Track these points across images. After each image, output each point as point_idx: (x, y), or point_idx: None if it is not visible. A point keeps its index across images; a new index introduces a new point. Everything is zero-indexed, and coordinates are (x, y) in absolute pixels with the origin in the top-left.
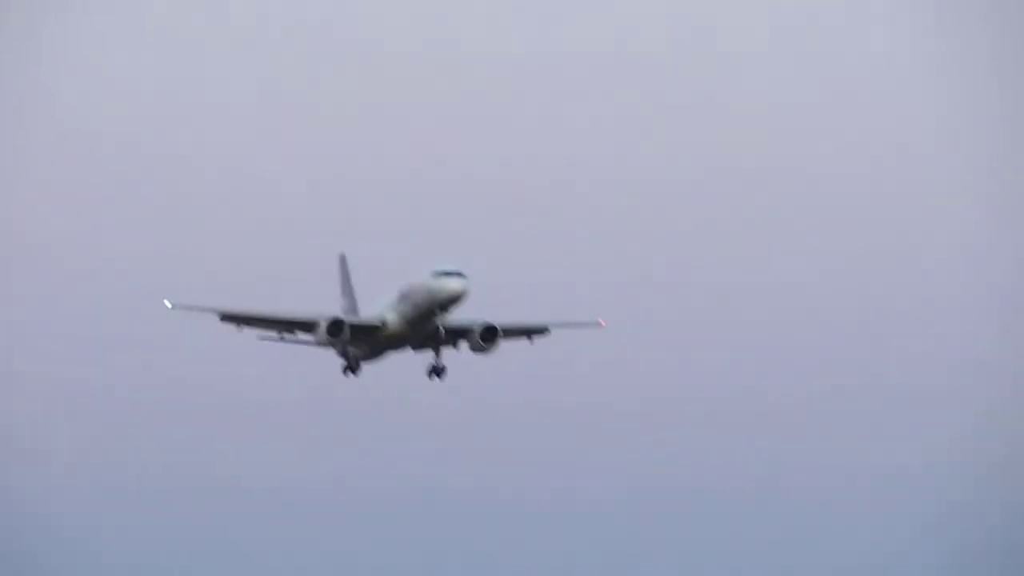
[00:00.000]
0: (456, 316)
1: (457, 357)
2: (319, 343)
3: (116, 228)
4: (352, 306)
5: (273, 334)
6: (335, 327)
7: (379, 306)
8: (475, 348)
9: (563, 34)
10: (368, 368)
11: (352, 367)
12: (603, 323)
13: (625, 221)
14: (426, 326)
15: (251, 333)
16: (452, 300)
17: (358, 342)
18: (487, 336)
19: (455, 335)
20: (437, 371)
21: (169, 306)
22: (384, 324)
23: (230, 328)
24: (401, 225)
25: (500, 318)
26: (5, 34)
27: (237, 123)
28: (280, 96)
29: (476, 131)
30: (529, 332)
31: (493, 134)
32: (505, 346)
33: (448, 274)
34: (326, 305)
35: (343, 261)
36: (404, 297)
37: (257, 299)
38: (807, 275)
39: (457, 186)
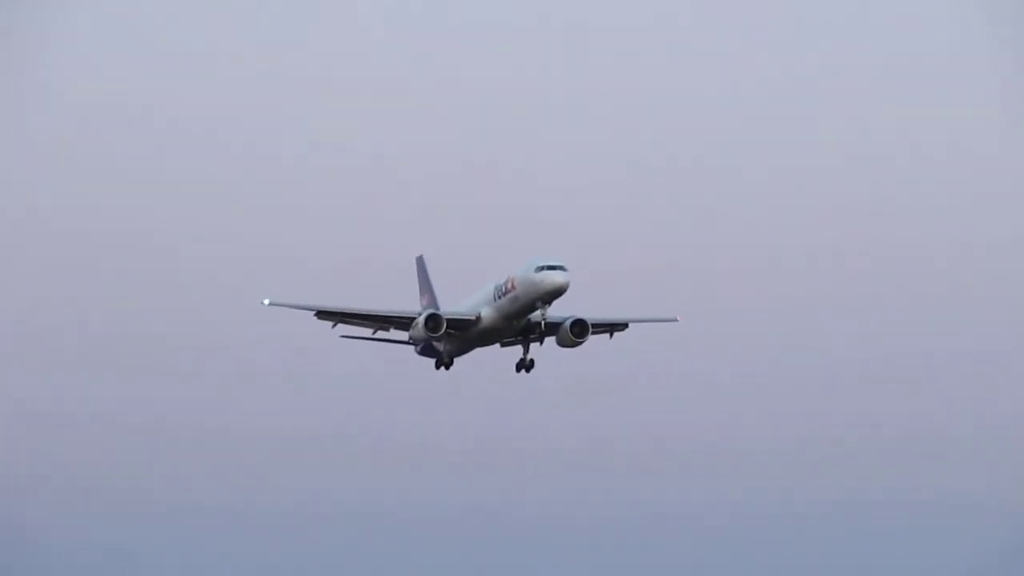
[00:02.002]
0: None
1: (543, 351)
2: (414, 339)
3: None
4: (433, 305)
5: (365, 331)
6: (433, 321)
7: (467, 303)
8: (564, 342)
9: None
10: (458, 362)
11: (446, 362)
12: (680, 319)
13: (702, 215)
14: (520, 320)
15: (335, 331)
16: (556, 293)
17: (449, 337)
18: (577, 330)
19: (541, 331)
20: (526, 365)
21: (267, 303)
22: (479, 318)
23: (324, 325)
24: (474, 225)
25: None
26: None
27: (313, 126)
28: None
29: (544, 128)
30: (611, 327)
31: (560, 132)
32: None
33: (551, 268)
34: (406, 306)
35: (421, 262)
36: (502, 291)
37: (339, 300)
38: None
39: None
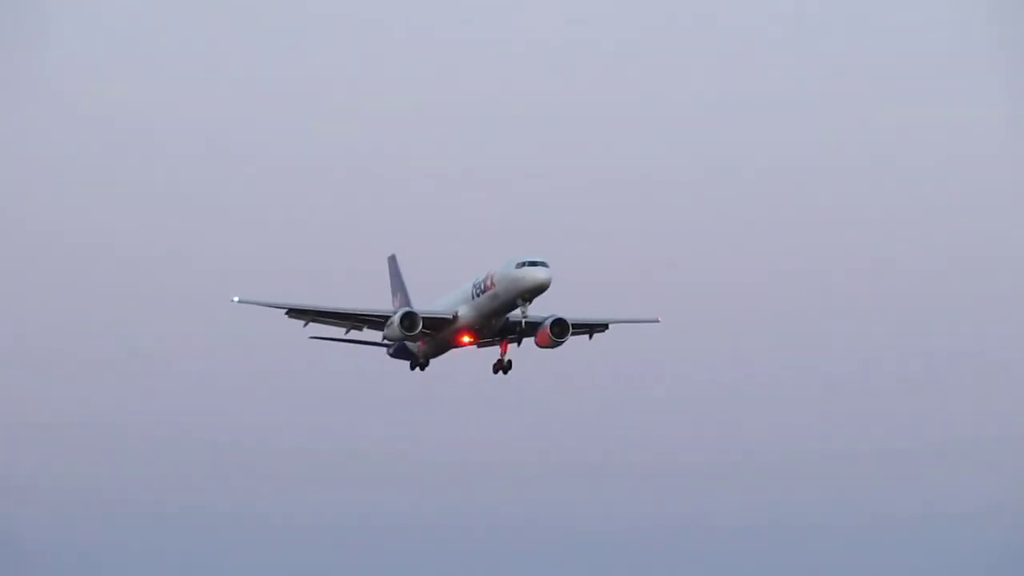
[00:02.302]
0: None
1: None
2: (388, 338)
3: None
4: (406, 305)
5: (336, 331)
6: (408, 320)
7: (443, 301)
8: (543, 343)
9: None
10: (433, 364)
11: (421, 362)
12: (661, 320)
13: (678, 216)
14: (499, 319)
15: (303, 333)
16: (537, 290)
17: (425, 337)
18: (557, 330)
19: (520, 330)
20: (504, 366)
21: (236, 300)
22: (456, 317)
23: (295, 324)
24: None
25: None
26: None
27: (286, 125)
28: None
29: (524, 127)
30: (590, 328)
31: (543, 131)
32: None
33: (533, 264)
34: (377, 306)
35: (393, 261)
36: (480, 289)
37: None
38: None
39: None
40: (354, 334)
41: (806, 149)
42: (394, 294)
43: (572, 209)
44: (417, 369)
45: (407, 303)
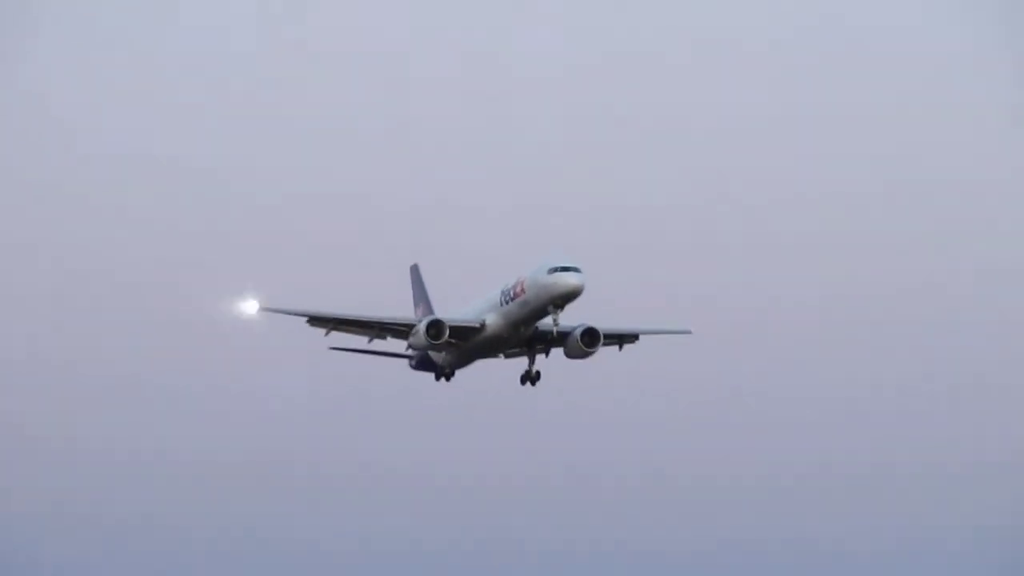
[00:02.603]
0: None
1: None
2: (414, 347)
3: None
4: (430, 314)
5: (358, 342)
6: (435, 328)
7: (469, 309)
8: (573, 353)
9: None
10: (459, 375)
11: (446, 372)
12: (692, 331)
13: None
14: (528, 328)
15: (323, 344)
16: (570, 296)
17: (450, 347)
18: (588, 340)
19: (548, 340)
20: (532, 377)
21: (257, 308)
22: (483, 325)
23: (317, 333)
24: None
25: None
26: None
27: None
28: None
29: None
30: (620, 339)
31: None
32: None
33: (565, 269)
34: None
35: (415, 271)
36: (510, 296)
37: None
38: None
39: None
40: (376, 344)
41: (831, 163)
42: (416, 304)
43: (598, 219)
44: (443, 380)
45: (431, 312)
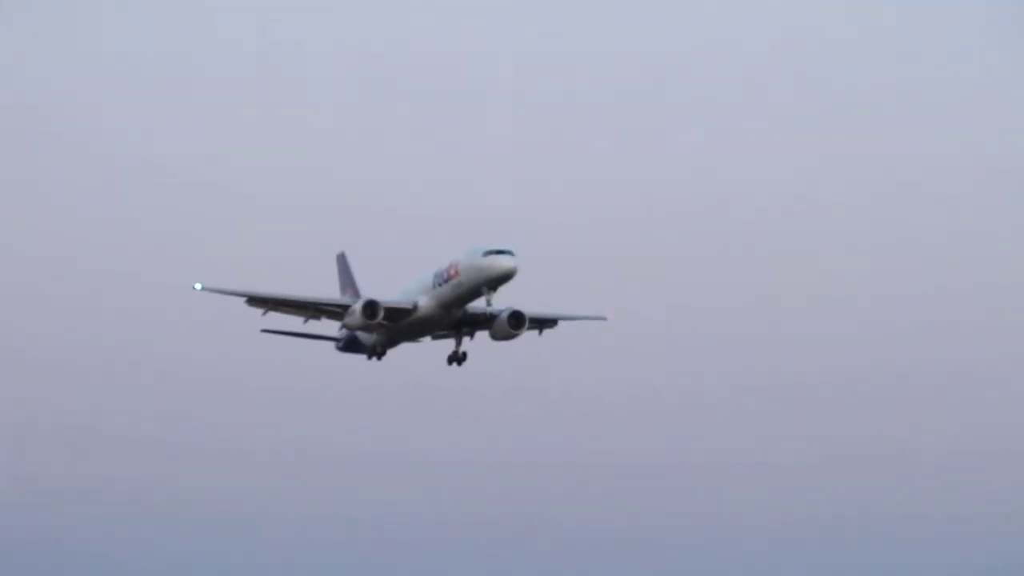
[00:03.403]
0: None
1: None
2: (349, 327)
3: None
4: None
5: (289, 324)
6: (370, 308)
7: (401, 291)
8: (499, 335)
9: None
10: (388, 355)
11: (378, 352)
12: (607, 318)
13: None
14: (459, 309)
15: (254, 325)
16: (504, 279)
17: (381, 328)
18: (514, 322)
19: (476, 322)
20: (458, 358)
21: (198, 288)
22: (416, 307)
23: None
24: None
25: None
26: None
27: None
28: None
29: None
30: (541, 323)
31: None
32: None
33: (499, 252)
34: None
35: (343, 259)
36: (443, 278)
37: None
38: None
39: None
40: (306, 327)
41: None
42: (343, 291)
43: (521, 206)
44: (374, 359)
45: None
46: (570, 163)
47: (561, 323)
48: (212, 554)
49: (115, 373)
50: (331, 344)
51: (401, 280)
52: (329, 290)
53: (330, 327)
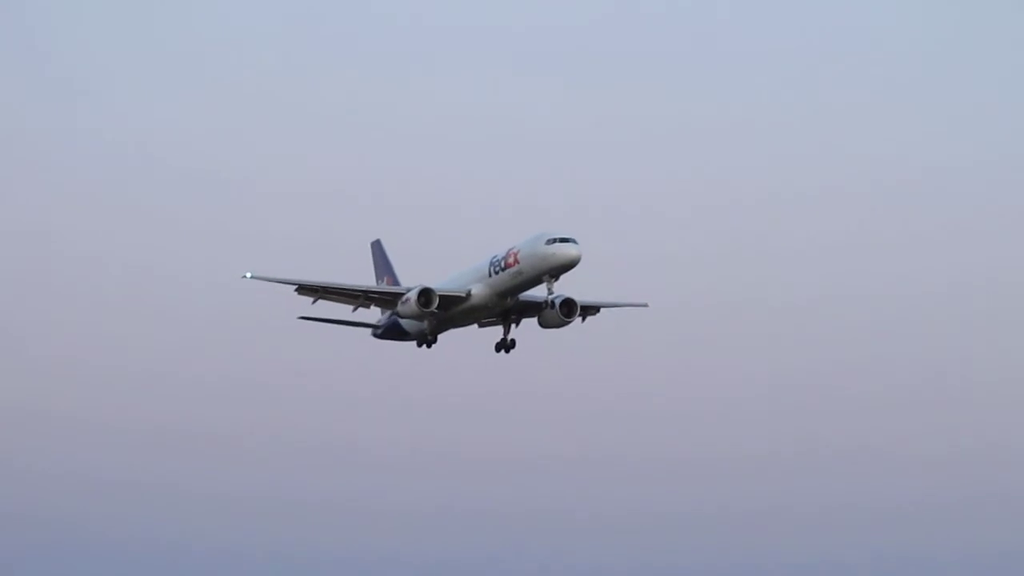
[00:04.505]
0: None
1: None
2: (403, 315)
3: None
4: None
5: (329, 313)
6: (425, 296)
7: (453, 279)
8: (550, 323)
9: None
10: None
11: (428, 339)
12: (648, 305)
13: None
14: (514, 297)
15: (291, 312)
16: (567, 267)
17: (432, 316)
18: (566, 310)
19: (526, 310)
20: (507, 345)
21: (248, 276)
22: (469, 294)
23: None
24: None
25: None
26: None
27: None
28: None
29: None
30: (584, 310)
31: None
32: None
33: (564, 240)
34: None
35: (378, 246)
36: (500, 266)
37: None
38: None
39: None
40: (344, 316)
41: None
42: (379, 279)
43: (565, 192)
44: (423, 347)
45: (396, 284)
46: (608, 148)
47: (604, 310)
48: (264, 543)
49: (158, 368)
50: (369, 331)
51: (438, 267)
52: (365, 278)
53: (366, 314)
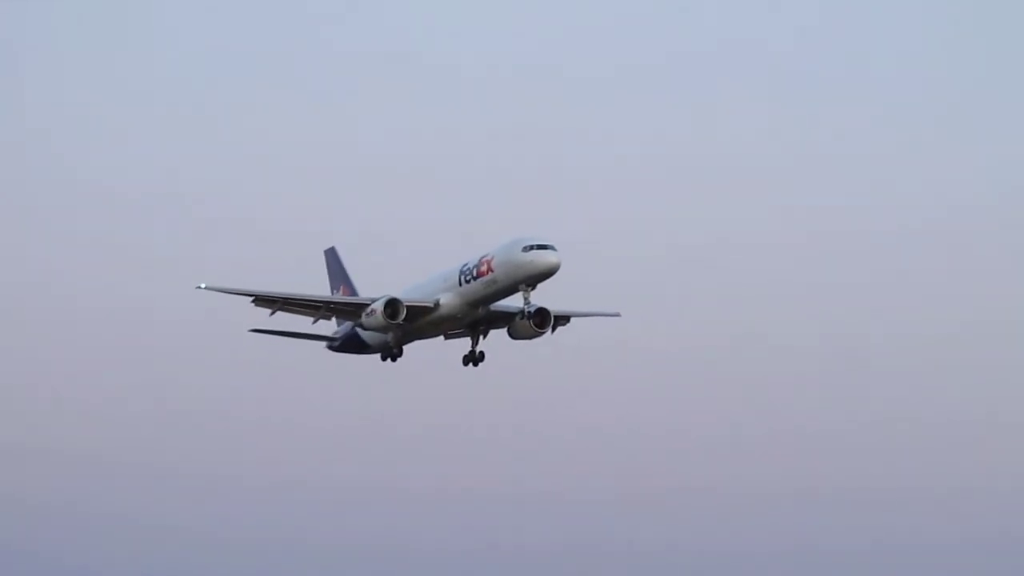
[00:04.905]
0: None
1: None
2: (368, 327)
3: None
4: (353, 295)
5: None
6: (391, 308)
7: (419, 288)
8: (521, 334)
9: None
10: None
11: (394, 352)
12: (620, 314)
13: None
14: (485, 308)
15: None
16: (546, 275)
17: (397, 328)
18: (539, 320)
19: (496, 320)
20: (475, 358)
21: (202, 287)
22: (437, 304)
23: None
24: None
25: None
26: None
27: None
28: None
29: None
30: (556, 320)
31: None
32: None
33: (542, 247)
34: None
35: (333, 253)
36: (472, 274)
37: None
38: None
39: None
40: (298, 327)
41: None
42: (335, 288)
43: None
44: (388, 360)
45: (354, 294)
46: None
47: (574, 320)
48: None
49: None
50: (323, 344)
51: (397, 274)
52: (318, 287)
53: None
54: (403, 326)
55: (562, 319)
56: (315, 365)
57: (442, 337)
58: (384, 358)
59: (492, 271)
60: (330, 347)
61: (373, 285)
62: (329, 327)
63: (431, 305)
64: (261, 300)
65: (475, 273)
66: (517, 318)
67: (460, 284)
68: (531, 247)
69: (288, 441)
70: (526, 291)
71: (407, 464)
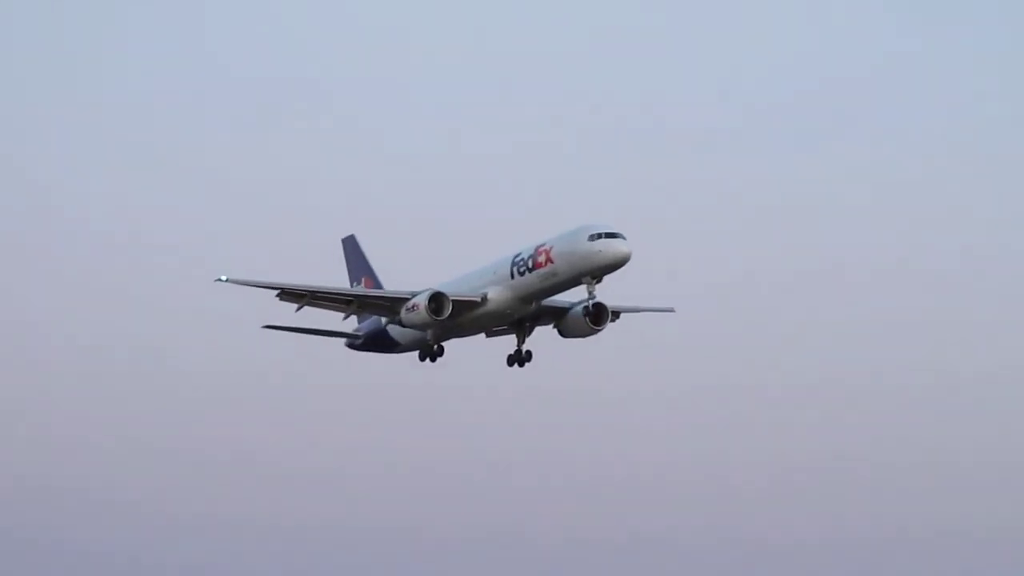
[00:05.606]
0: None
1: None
2: (409, 324)
3: None
4: (376, 288)
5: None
6: (436, 303)
7: (462, 282)
8: (575, 332)
9: None
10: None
11: (433, 352)
12: (675, 310)
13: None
14: (538, 303)
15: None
16: (615, 266)
17: (439, 325)
18: (595, 317)
19: (544, 317)
20: (522, 358)
21: (223, 280)
22: (485, 299)
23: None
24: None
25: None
26: None
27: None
28: None
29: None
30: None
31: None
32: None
33: (611, 235)
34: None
35: (352, 243)
36: (528, 266)
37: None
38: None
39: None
40: (313, 323)
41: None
42: (355, 280)
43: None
44: (428, 360)
45: (378, 287)
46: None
47: (624, 316)
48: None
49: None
50: (342, 341)
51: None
52: (337, 279)
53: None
54: (445, 323)
55: (613, 315)
56: (335, 366)
57: (483, 335)
58: (423, 357)
59: (552, 262)
60: (351, 345)
61: (397, 276)
62: (348, 323)
63: (478, 300)
64: (287, 294)
65: (531, 264)
66: (571, 314)
67: (512, 277)
68: (599, 235)
69: (321, 444)
70: (591, 284)
71: (455, 480)
